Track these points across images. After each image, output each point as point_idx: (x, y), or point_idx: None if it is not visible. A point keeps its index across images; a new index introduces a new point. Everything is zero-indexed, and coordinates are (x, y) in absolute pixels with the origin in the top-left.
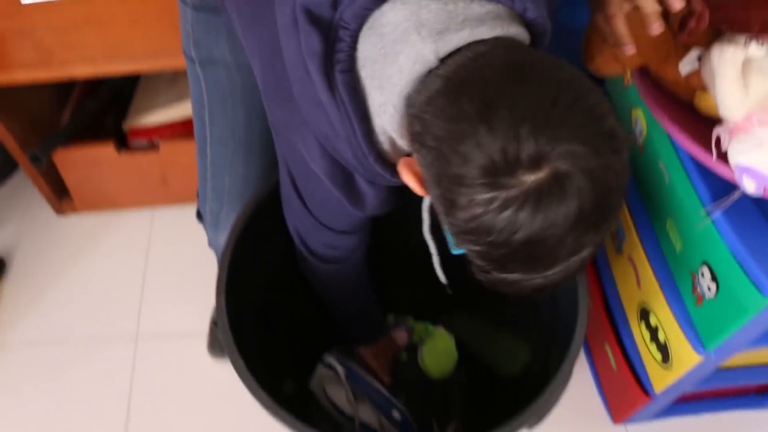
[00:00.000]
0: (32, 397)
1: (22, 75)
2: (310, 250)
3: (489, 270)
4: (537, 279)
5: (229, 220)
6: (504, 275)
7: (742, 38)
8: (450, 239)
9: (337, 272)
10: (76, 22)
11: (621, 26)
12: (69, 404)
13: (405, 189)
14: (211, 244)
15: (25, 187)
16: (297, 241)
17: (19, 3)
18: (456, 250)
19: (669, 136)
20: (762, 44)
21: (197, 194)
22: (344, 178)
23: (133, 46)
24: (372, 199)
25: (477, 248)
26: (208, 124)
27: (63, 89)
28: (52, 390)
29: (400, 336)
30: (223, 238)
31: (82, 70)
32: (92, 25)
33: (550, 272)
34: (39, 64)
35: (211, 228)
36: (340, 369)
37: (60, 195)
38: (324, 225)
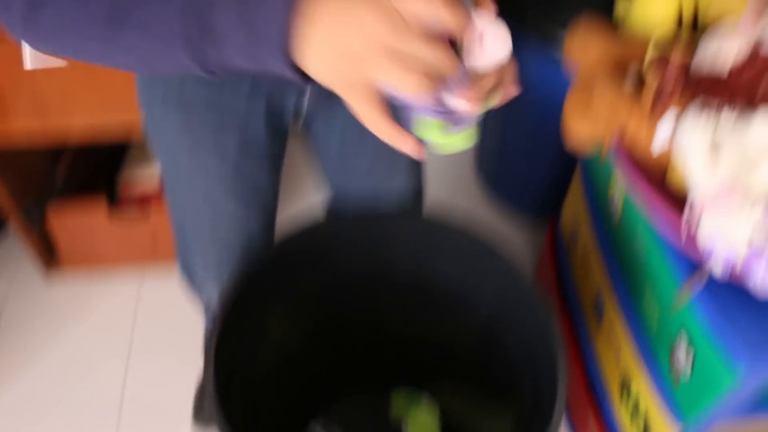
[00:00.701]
0: None
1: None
2: None
3: None
4: None
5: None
6: None
7: (713, 109)
8: None
9: None
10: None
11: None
12: None
13: None
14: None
15: (11, 253)
16: None
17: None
18: None
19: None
20: (733, 111)
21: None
22: None
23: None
24: None
25: None
26: None
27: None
28: None
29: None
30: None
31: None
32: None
33: None
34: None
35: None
36: None
37: (48, 257)
38: None
